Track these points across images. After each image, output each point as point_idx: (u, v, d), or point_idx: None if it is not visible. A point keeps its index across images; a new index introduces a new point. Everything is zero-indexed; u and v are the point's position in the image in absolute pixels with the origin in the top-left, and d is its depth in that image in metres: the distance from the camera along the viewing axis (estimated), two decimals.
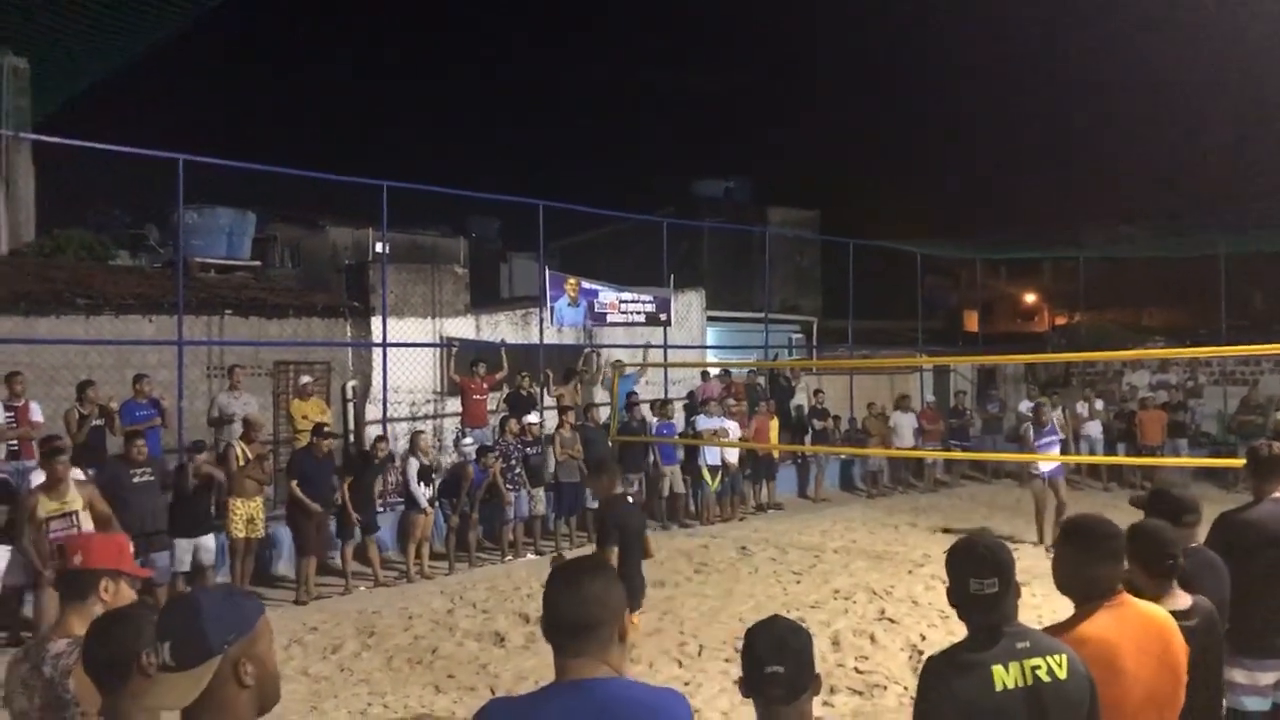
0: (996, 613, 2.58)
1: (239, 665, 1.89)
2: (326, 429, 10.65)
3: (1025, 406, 17.93)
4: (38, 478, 8.47)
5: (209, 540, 9.58)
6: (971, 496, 16.43)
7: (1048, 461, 11.85)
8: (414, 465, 11.08)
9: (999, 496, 16.29)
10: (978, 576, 2.59)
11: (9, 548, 8.42)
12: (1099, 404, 17.34)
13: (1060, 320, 31.65)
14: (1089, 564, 2.87)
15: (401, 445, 12.25)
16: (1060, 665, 2.56)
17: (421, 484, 11.01)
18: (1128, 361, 20.11)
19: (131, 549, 3.28)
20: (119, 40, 14.35)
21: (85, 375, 10.40)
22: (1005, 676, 2.48)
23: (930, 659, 2.61)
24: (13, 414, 9.49)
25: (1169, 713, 2.85)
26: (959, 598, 2.63)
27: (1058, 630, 2.83)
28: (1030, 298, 37.31)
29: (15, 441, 9.46)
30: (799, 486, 16.53)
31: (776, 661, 2.30)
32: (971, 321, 29.23)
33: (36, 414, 9.61)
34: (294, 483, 10.17)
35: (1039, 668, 2.52)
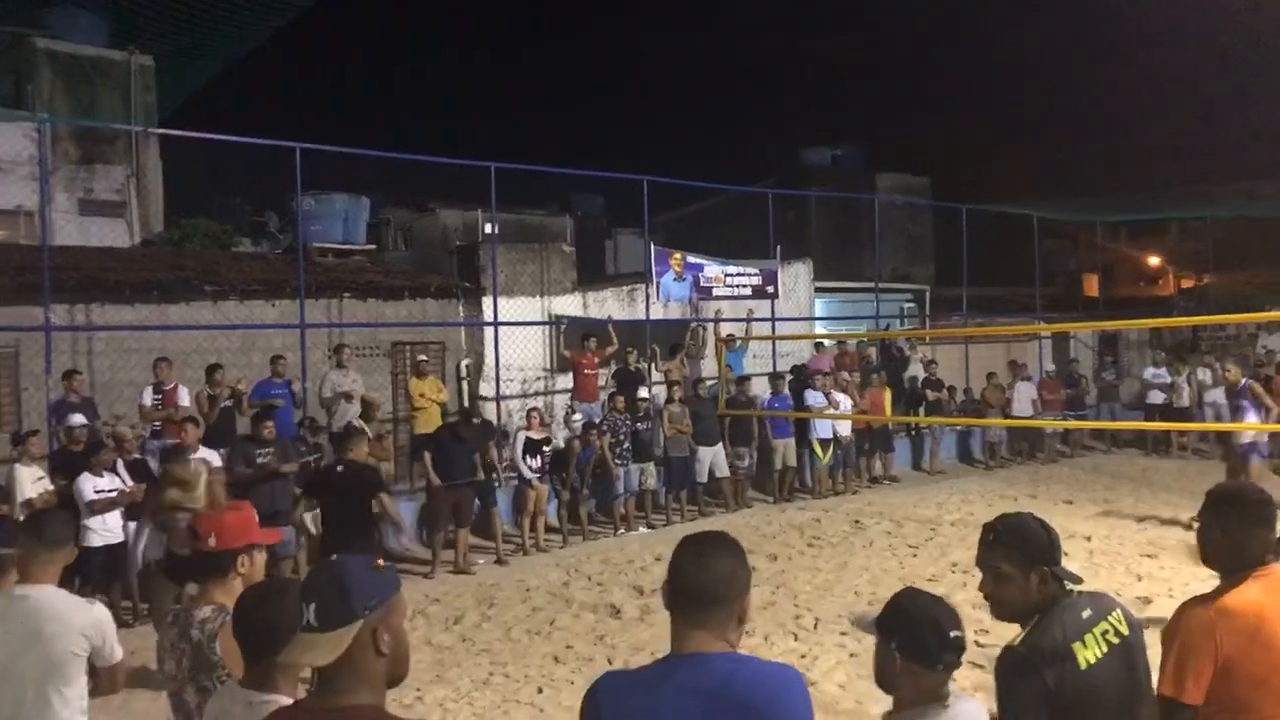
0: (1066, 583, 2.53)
1: (377, 632, 1.96)
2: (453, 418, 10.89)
3: (1151, 373, 17.29)
4: None
5: None
6: (1094, 467, 15.89)
7: (1251, 433, 10.51)
8: (521, 439, 11.28)
9: (1124, 467, 15.73)
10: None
11: (150, 524, 8.89)
12: (1229, 370, 16.52)
13: (1187, 282, 30.28)
14: (1237, 532, 2.74)
15: (516, 421, 12.47)
16: (1121, 621, 2.53)
17: (528, 457, 11.19)
18: (1263, 324, 19.12)
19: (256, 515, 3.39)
20: (237, 35, 14.86)
21: (214, 359, 10.86)
22: (1085, 652, 2.41)
23: (1010, 651, 2.46)
24: (160, 396, 10.02)
25: None
26: None
27: (1202, 601, 2.73)
28: (1154, 260, 35.73)
29: (159, 423, 9.97)
30: (914, 459, 16.26)
31: (958, 628, 2.30)
32: (1091, 286, 28.18)
33: (184, 398, 10.12)
34: (427, 456, 10.43)
35: (1107, 632, 2.48)
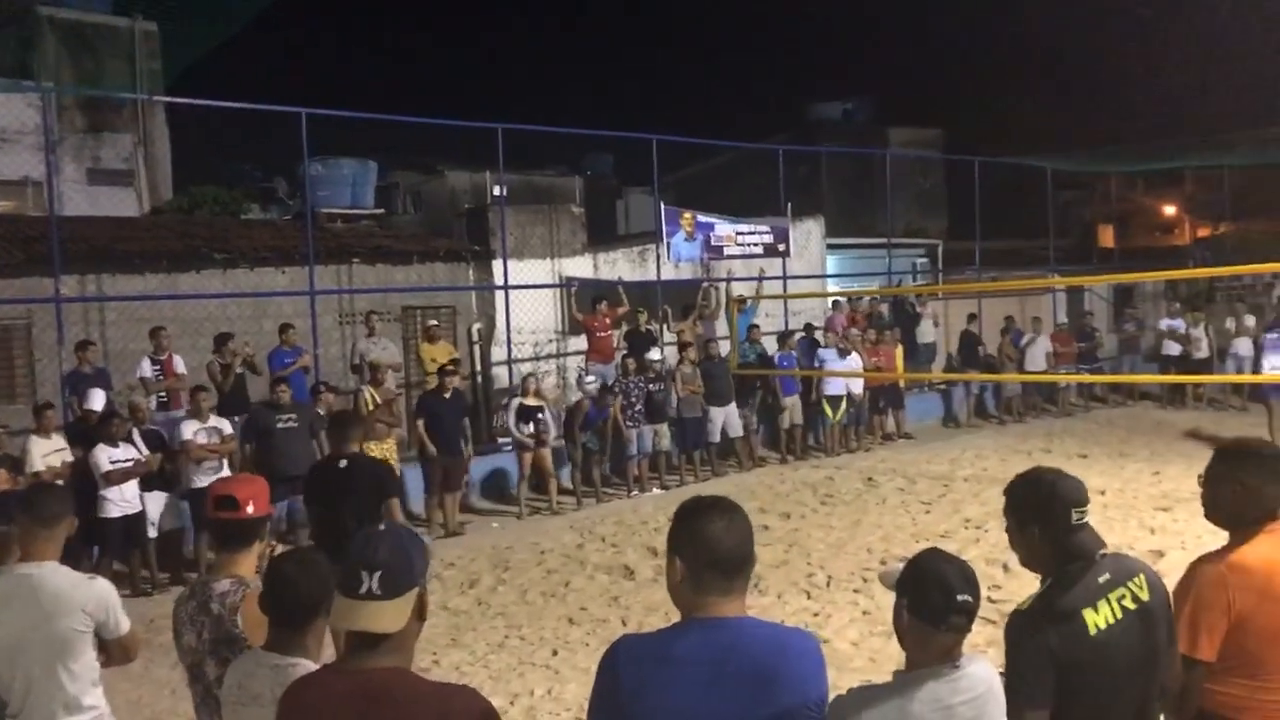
0: (1079, 547, 2.49)
1: (423, 598, 2.06)
2: (450, 368, 10.85)
3: (1166, 324, 17.15)
4: (189, 428, 8.95)
5: None
6: (1109, 420, 15.83)
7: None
8: (515, 405, 11.21)
9: (1140, 420, 15.65)
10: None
11: (165, 494, 8.97)
12: (1249, 320, 16.39)
13: (1203, 232, 29.96)
14: (1253, 485, 2.72)
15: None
16: (1141, 587, 2.50)
17: (520, 423, 11.06)
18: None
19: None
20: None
21: (225, 327, 10.87)
22: (1096, 618, 2.40)
23: (1017, 614, 2.47)
24: (159, 367, 10.02)
25: None
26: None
27: (1214, 557, 2.72)
28: (1170, 209, 35.29)
29: (165, 394, 9.98)
30: (945, 415, 16.47)
31: (967, 591, 2.26)
32: (1106, 237, 27.93)
33: (180, 366, 10.13)
34: (420, 423, 10.45)
35: (1124, 597, 2.45)
